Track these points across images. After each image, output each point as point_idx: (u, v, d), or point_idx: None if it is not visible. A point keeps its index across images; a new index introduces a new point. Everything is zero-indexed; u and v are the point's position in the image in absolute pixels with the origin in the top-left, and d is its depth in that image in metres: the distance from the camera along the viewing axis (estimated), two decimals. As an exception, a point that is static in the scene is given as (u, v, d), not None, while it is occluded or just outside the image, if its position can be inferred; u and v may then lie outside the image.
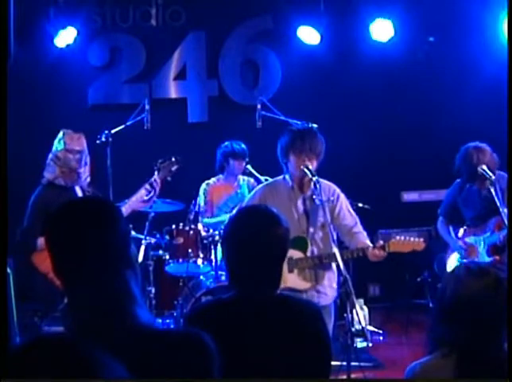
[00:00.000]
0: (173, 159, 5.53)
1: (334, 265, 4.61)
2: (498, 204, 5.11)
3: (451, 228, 5.76)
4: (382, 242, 4.48)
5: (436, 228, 5.96)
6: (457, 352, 2.41)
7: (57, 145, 5.02)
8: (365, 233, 4.62)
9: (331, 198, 4.60)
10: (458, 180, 5.69)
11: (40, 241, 4.83)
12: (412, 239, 4.57)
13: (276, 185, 4.70)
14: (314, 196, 4.54)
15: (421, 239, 4.59)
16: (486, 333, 2.43)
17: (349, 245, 4.60)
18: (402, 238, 4.55)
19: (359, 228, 4.63)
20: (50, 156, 5.02)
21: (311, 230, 4.57)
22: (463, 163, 5.45)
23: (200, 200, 6.60)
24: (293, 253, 4.46)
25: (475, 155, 5.35)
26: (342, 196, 4.68)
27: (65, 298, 4.86)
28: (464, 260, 5.48)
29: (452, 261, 5.70)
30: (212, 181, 6.74)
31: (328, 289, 4.61)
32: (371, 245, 4.50)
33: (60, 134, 5.04)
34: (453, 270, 2.60)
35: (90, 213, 1.90)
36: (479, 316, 2.42)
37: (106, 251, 1.86)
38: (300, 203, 4.60)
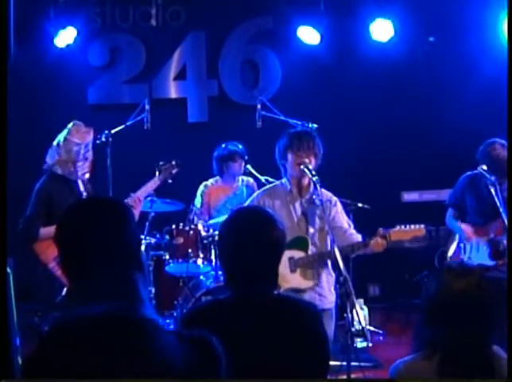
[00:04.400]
0: (173, 163, 5.64)
1: (331, 269, 4.61)
2: (498, 204, 5.10)
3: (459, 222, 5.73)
4: (382, 230, 4.45)
5: (437, 228, 5.93)
6: (440, 353, 2.37)
7: (63, 133, 5.03)
8: (360, 236, 4.60)
9: (330, 199, 4.61)
10: (468, 172, 5.67)
11: (42, 231, 4.84)
12: (412, 226, 4.55)
13: (274, 190, 4.68)
14: (314, 197, 4.53)
15: (422, 226, 4.57)
16: (469, 334, 2.37)
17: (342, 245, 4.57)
18: (403, 227, 4.53)
19: (353, 231, 4.63)
20: (55, 141, 5.03)
21: (311, 231, 4.56)
22: (487, 157, 5.41)
23: (197, 201, 6.56)
24: (294, 253, 4.46)
25: (501, 151, 5.34)
26: (339, 203, 4.69)
27: (64, 290, 4.84)
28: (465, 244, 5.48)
29: (452, 252, 5.67)
30: (210, 182, 6.68)
31: (328, 292, 4.60)
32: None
33: (70, 124, 5.05)
34: (437, 271, 2.56)
35: (106, 211, 1.90)
36: (462, 316, 2.37)
37: (118, 250, 1.85)
38: (298, 205, 4.59)
